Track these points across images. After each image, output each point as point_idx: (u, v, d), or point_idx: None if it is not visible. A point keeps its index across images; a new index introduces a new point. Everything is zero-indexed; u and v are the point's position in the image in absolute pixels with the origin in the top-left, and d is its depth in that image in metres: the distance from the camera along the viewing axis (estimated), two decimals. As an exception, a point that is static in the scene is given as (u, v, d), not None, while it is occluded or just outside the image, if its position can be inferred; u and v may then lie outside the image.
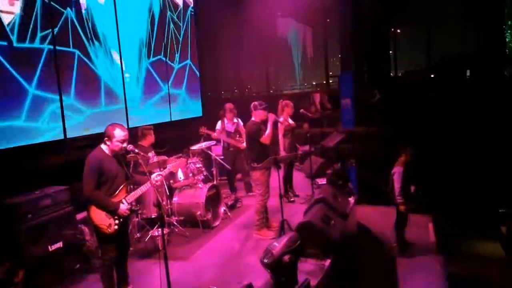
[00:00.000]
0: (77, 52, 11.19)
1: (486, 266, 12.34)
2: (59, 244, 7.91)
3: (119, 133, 6.68)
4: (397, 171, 9.98)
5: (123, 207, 6.67)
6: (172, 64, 16.00)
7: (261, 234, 9.59)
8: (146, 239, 9.39)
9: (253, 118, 9.65)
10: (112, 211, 6.59)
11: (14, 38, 9.38)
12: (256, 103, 9.62)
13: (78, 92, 11.13)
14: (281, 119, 11.49)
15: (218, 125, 12.41)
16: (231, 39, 20.44)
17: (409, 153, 10.07)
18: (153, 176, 7.14)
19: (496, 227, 13.43)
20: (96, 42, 11.88)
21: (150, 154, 10.08)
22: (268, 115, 9.47)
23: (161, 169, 8.35)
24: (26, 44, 9.70)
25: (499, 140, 14.87)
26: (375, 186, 12.44)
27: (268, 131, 9.32)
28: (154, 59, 14.80)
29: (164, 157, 10.30)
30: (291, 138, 11.70)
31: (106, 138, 6.69)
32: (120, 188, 6.74)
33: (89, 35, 11.63)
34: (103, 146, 6.74)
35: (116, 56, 12.72)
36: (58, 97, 10.49)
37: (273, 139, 9.98)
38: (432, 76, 20.85)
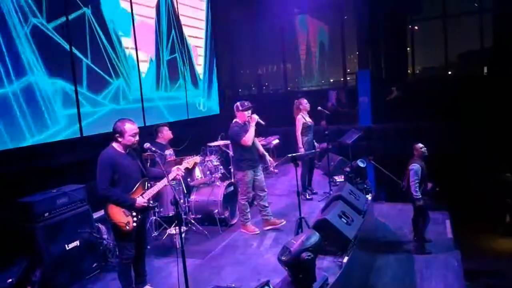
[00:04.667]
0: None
1: (503, 262, 12.28)
2: (76, 243, 7.89)
3: (130, 127, 6.61)
4: (413, 167, 9.96)
5: (140, 201, 6.62)
6: (189, 62, 15.98)
7: (245, 229, 9.93)
8: (164, 237, 9.34)
9: (236, 120, 9.72)
10: (130, 206, 6.55)
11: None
12: (238, 104, 9.67)
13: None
14: (297, 120, 11.55)
15: None
16: (248, 37, 20.46)
17: (420, 150, 10.08)
18: (173, 169, 7.13)
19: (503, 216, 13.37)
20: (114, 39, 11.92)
21: (167, 152, 10.09)
22: (250, 117, 9.50)
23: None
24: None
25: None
26: (393, 183, 12.40)
27: (249, 132, 9.38)
28: (171, 56, 14.80)
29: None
30: (309, 135, 11.65)
31: (117, 135, 6.60)
32: (136, 186, 6.70)
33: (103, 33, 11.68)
34: (114, 144, 6.68)
35: (132, 52, 12.72)
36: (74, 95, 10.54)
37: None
38: (449, 73, 20.76)
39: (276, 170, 14.90)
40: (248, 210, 9.94)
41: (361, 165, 11.73)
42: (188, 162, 7.59)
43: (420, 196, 9.93)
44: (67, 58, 10.36)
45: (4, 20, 8.87)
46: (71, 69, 10.42)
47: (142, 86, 12.97)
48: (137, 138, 6.68)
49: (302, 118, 11.59)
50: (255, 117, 9.48)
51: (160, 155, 7.19)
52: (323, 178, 13.80)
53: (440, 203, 11.95)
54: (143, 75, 13.08)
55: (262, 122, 9.56)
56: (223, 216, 10.02)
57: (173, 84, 14.87)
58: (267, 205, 9.96)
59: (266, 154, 10.30)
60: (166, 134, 10.34)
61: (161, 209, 9.79)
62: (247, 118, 9.50)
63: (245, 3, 19.41)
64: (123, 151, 6.68)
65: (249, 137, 9.36)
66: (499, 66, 17.69)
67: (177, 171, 7.16)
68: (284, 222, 9.83)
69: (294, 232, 8.96)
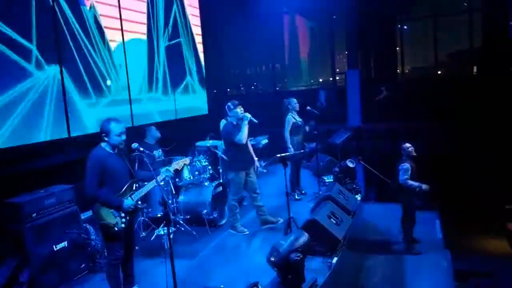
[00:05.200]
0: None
1: (493, 262, 12.30)
2: (64, 244, 7.86)
3: (116, 126, 6.56)
4: (403, 167, 9.93)
5: (128, 203, 6.58)
6: (178, 61, 15.94)
7: (234, 229, 9.92)
8: (152, 238, 9.32)
9: (228, 119, 9.83)
10: (118, 207, 6.51)
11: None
12: (229, 103, 9.75)
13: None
14: (287, 120, 11.53)
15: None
16: (237, 36, 20.44)
17: (407, 150, 10.07)
18: (162, 171, 7.12)
19: (502, 223, 13.40)
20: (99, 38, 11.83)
21: (156, 152, 10.06)
22: (242, 115, 9.49)
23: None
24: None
25: (506, 137, 14.83)
26: (382, 184, 12.39)
27: (242, 131, 9.40)
28: (160, 57, 14.74)
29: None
30: (299, 136, 11.63)
31: (103, 134, 6.58)
32: (125, 187, 6.67)
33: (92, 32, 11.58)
34: (103, 144, 6.64)
35: (120, 53, 12.66)
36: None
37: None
38: (439, 72, 20.82)
39: (264, 170, 14.90)
40: (238, 210, 9.95)
41: (350, 165, 11.75)
42: (178, 163, 7.58)
43: (419, 183, 9.88)
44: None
45: None
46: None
47: (129, 84, 12.92)
48: (123, 137, 6.65)
49: (293, 118, 11.58)
50: (248, 115, 9.46)
51: (148, 155, 7.15)
52: (312, 179, 13.79)
53: (430, 203, 11.96)
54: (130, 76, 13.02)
55: (255, 121, 9.56)
56: (211, 217, 9.99)
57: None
58: (261, 204, 9.97)
59: (256, 159, 10.29)
60: (154, 134, 10.33)
61: (150, 210, 9.77)
62: (240, 115, 9.49)
63: (234, 2, 19.40)
64: (111, 151, 6.64)
65: (242, 136, 9.36)
66: (488, 66, 17.76)
67: (166, 173, 7.16)
68: (281, 220, 9.80)
69: (283, 232, 8.96)
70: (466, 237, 13.05)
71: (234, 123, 9.61)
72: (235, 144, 9.45)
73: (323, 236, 8.04)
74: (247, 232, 9.75)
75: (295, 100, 11.79)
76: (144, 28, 13.79)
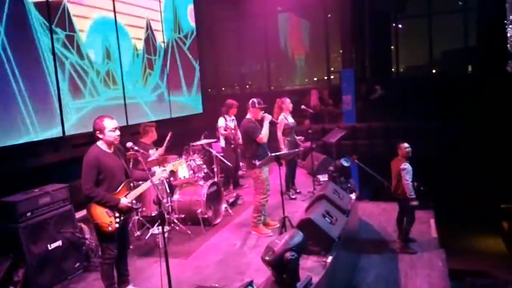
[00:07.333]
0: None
1: (488, 262, 12.32)
2: (59, 243, 7.83)
3: (109, 123, 6.55)
4: (406, 167, 9.95)
5: (124, 202, 6.58)
6: (172, 60, 15.91)
7: (257, 231, 9.59)
8: (147, 237, 9.32)
9: (248, 116, 9.57)
10: (113, 206, 6.50)
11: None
12: (255, 100, 9.49)
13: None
14: (278, 120, 11.41)
15: (222, 121, 12.31)
16: (231, 35, 20.45)
17: (405, 150, 10.08)
18: (157, 171, 7.11)
19: (498, 222, 13.40)
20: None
21: (152, 151, 10.02)
22: (264, 115, 9.37)
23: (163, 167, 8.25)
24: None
25: (500, 136, 14.83)
26: (377, 183, 12.39)
27: (265, 130, 9.28)
28: (154, 55, 14.71)
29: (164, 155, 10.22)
30: (291, 136, 11.51)
31: (97, 132, 6.56)
32: (121, 186, 6.66)
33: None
34: (99, 143, 6.62)
35: (114, 51, 12.62)
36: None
37: (271, 136, 9.93)
38: (434, 71, 20.83)
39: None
40: (264, 211, 9.75)
41: (345, 164, 11.70)
42: (174, 165, 7.57)
43: (415, 196, 9.93)
44: None
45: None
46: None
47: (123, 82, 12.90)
48: (117, 133, 6.64)
49: (284, 119, 11.41)
50: (269, 116, 9.39)
51: (143, 155, 7.14)
52: (307, 177, 13.76)
53: (425, 202, 11.98)
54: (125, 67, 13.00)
55: (276, 121, 9.52)
56: (206, 216, 9.95)
57: (155, 82, 14.81)
58: (265, 204, 9.77)
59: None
60: (152, 134, 10.28)
61: (144, 209, 9.74)
62: (260, 116, 9.40)
63: (229, 1, 19.39)
64: (108, 150, 6.64)
65: (264, 135, 9.26)
66: (483, 65, 17.78)
67: (161, 174, 7.16)
68: (278, 224, 9.63)
69: (277, 231, 8.94)
70: (461, 236, 13.07)
71: (255, 120, 9.45)
72: (256, 141, 9.33)
73: (318, 235, 8.01)
74: (271, 234, 9.42)
75: (288, 100, 11.61)
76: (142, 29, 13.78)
